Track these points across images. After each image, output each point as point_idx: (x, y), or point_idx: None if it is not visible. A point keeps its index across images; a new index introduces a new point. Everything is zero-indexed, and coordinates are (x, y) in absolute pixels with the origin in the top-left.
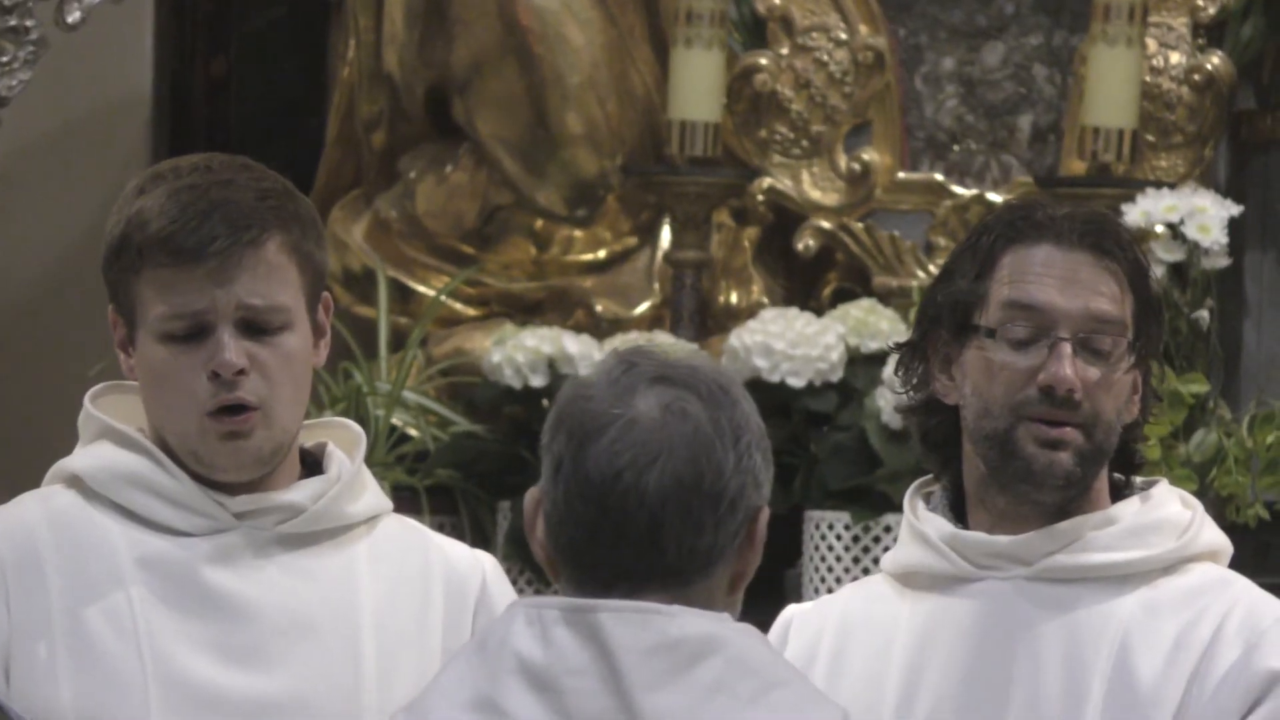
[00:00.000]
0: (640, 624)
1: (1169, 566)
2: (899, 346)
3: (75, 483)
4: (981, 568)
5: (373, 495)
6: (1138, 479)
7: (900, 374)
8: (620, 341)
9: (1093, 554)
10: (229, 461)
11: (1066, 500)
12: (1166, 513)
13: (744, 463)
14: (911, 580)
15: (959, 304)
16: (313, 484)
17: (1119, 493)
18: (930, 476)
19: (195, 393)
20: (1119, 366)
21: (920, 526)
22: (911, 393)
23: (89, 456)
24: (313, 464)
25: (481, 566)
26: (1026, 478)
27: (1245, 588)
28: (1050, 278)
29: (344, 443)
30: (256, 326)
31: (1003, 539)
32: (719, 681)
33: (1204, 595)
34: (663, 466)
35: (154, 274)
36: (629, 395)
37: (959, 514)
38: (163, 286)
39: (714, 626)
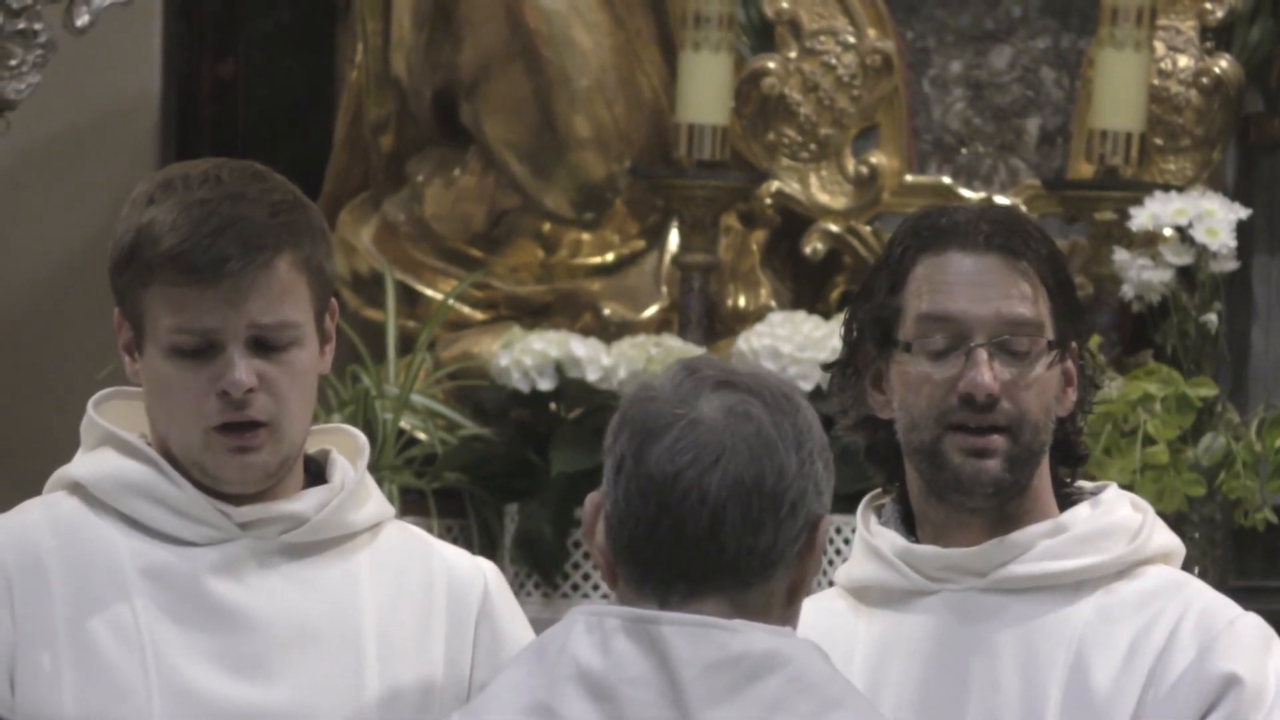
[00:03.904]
0: (702, 638)
1: (1122, 571)
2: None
3: (78, 490)
4: (935, 580)
5: (375, 503)
6: (1086, 483)
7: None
8: (628, 345)
9: (1046, 562)
10: (236, 476)
11: (1003, 505)
12: (1118, 517)
13: (806, 467)
14: (866, 595)
15: (877, 320)
16: (316, 493)
17: (1062, 489)
18: (880, 490)
19: (202, 409)
20: (1038, 365)
21: (873, 541)
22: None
23: (92, 464)
24: (316, 471)
25: (484, 575)
26: (956, 487)
27: (1199, 590)
28: (960, 285)
29: (347, 450)
30: (267, 344)
31: (956, 551)
32: (778, 700)
33: (1158, 599)
34: (725, 465)
35: (164, 290)
36: (693, 398)
37: (911, 527)
38: (173, 303)
39: (776, 642)
